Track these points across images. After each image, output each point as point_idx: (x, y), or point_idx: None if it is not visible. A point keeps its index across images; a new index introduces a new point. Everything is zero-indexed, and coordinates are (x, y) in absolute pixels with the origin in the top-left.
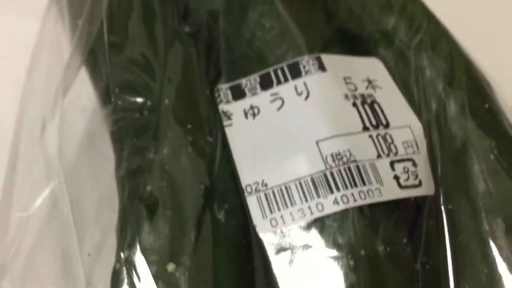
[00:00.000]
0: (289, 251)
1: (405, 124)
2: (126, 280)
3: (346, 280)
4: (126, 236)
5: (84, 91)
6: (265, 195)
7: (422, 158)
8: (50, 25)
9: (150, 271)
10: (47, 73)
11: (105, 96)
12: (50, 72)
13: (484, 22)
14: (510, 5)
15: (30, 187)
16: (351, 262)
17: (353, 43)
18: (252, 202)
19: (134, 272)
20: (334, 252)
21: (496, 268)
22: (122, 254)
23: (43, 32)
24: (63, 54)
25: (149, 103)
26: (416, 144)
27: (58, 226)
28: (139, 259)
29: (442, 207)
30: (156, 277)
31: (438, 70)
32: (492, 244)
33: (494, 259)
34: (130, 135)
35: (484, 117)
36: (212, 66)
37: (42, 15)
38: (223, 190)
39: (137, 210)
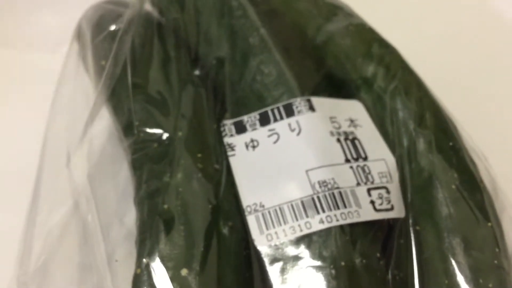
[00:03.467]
0: (281, 262)
1: (380, 157)
2: (146, 282)
3: (328, 286)
4: (146, 246)
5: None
6: (262, 214)
7: (394, 186)
8: (72, 62)
9: (167, 274)
10: (70, 106)
11: (127, 128)
12: (73, 105)
13: (453, 71)
14: (476, 56)
15: (54, 207)
16: (333, 271)
17: (338, 88)
18: (251, 220)
19: (153, 276)
20: (319, 263)
21: (456, 280)
22: (144, 261)
23: (66, 68)
24: (85, 89)
25: (165, 135)
26: (390, 175)
27: (83, 235)
28: (157, 265)
29: (411, 228)
30: (172, 280)
31: (410, 112)
32: (452, 260)
33: (454, 273)
34: (149, 162)
35: (448, 153)
36: (219, 104)
37: (61, 52)
38: (228, 209)
39: (156, 224)
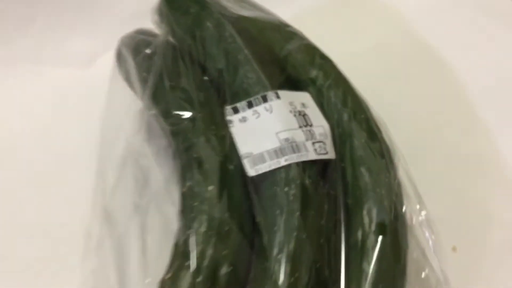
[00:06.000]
0: (263, 181)
1: (320, 125)
2: (188, 196)
3: (290, 193)
4: (187, 176)
5: None
6: (252, 158)
7: (328, 141)
8: (118, 79)
9: (200, 191)
10: (120, 118)
11: (166, 114)
12: (122, 116)
13: (371, 75)
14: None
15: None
16: (293, 186)
17: (294, 85)
18: (245, 161)
19: (194, 189)
20: (283, 181)
21: (362, 187)
22: (187, 184)
23: (113, 84)
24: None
25: (191, 115)
26: (326, 135)
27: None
28: (195, 183)
29: (338, 164)
30: (200, 195)
31: (338, 98)
32: (362, 179)
33: (363, 187)
34: (183, 131)
35: (361, 121)
36: (221, 97)
37: (93, 67)
38: (231, 156)
39: (191, 165)
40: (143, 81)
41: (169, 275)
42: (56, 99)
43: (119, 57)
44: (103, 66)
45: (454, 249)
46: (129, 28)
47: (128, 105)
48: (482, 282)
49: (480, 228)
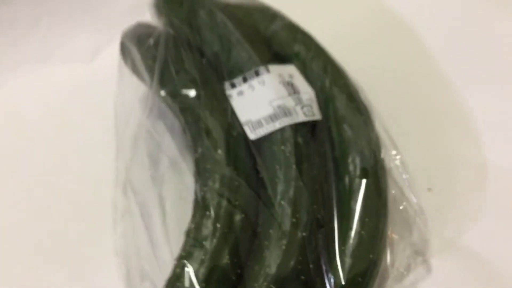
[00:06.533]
0: (264, 142)
1: (306, 92)
2: (200, 158)
3: (285, 150)
4: (198, 143)
5: None
6: (251, 124)
7: (314, 104)
8: (125, 69)
9: (210, 153)
10: (130, 103)
11: (173, 94)
12: (131, 101)
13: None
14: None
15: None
16: (288, 143)
17: (281, 59)
18: (246, 127)
19: (206, 150)
20: (279, 141)
21: (345, 138)
22: (199, 150)
23: (120, 74)
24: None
25: (196, 93)
26: (312, 99)
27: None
28: (204, 148)
29: (325, 123)
30: (211, 157)
31: (319, 67)
32: (344, 133)
33: (344, 138)
34: (190, 107)
35: (341, 86)
36: (220, 75)
37: (96, 61)
38: (234, 124)
39: (201, 134)
40: (150, 68)
41: (193, 224)
42: (67, 92)
43: (124, 49)
44: (107, 58)
45: (429, 190)
46: (128, 22)
47: (136, 91)
48: (455, 215)
49: (450, 170)
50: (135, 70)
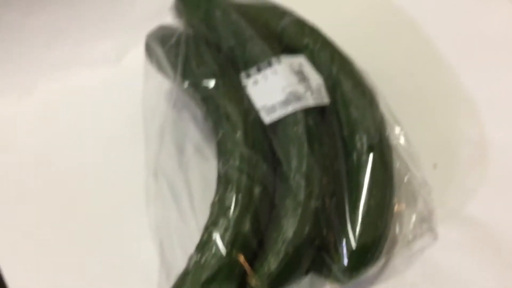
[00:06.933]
0: (277, 124)
1: (315, 79)
2: (221, 135)
3: (298, 129)
4: (219, 130)
5: None
6: (267, 108)
7: (323, 90)
8: (150, 68)
9: (231, 131)
10: (156, 97)
11: (195, 85)
12: (157, 95)
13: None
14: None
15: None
16: (300, 124)
17: (291, 51)
18: (262, 112)
19: (225, 125)
20: (292, 123)
21: (352, 115)
22: (220, 132)
23: (146, 72)
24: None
25: (215, 83)
26: (320, 85)
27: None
28: (225, 126)
29: (332, 106)
30: (230, 136)
31: (326, 57)
32: (351, 112)
33: (352, 117)
34: (211, 96)
35: (348, 72)
36: (236, 68)
37: (121, 63)
38: (250, 109)
39: (221, 119)
40: (173, 64)
41: (217, 197)
42: (97, 92)
43: (149, 49)
44: (132, 59)
45: (434, 166)
46: (151, 26)
47: (161, 87)
48: (458, 188)
49: (453, 147)
50: (159, 67)
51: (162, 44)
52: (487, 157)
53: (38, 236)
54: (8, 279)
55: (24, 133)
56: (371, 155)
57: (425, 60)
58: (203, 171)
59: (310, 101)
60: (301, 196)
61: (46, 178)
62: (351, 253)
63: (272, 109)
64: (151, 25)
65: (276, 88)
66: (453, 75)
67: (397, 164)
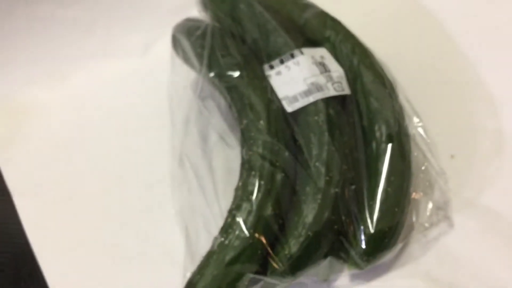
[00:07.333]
0: (299, 113)
1: (336, 70)
2: (244, 127)
3: (319, 120)
4: (242, 115)
5: None
6: (288, 99)
7: (344, 81)
8: (176, 59)
9: (253, 124)
10: (181, 87)
11: (220, 75)
12: (183, 85)
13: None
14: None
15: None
16: (321, 114)
17: (313, 43)
18: (284, 102)
19: (249, 122)
20: (313, 112)
21: (371, 105)
22: (244, 121)
23: (174, 64)
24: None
25: (239, 74)
26: (341, 77)
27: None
28: (248, 119)
29: (353, 97)
30: (252, 127)
31: (347, 49)
32: (370, 101)
33: (371, 106)
34: (235, 86)
35: (367, 65)
36: (259, 59)
37: (148, 55)
38: (273, 99)
39: (245, 107)
40: (199, 55)
41: (241, 182)
42: (125, 83)
43: (175, 41)
44: (159, 51)
45: (452, 157)
46: (176, 19)
47: (187, 77)
48: (475, 178)
49: (470, 138)
50: (185, 58)
51: (188, 36)
52: (504, 148)
53: (68, 221)
54: (41, 262)
55: (56, 121)
56: (389, 145)
57: (444, 52)
58: (226, 158)
59: (331, 91)
60: (321, 182)
61: (77, 165)
62: (368, 238)
63: (294, 99)
64: (178, 18)
65: (298, 79)
66: (471, 67)
67: (415, 154)
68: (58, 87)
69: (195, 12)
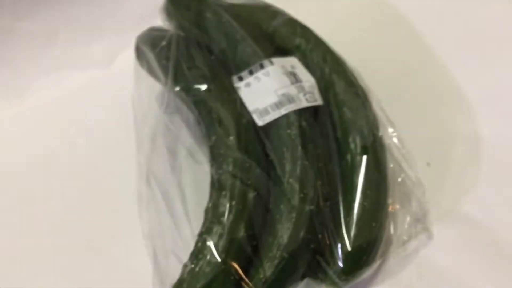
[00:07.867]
0: (270, 127)
1: (308, 80)
2: (215, 141)
3: (291, 133)
4: (211, 131)
5: None
6: (259, 112)
7: (316, 91)
8: (140, 71)
9: (223, 137)
10: (146, 100)
11: (187, 89)
12: (148, 98)
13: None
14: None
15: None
16: (293, 127)
17: (283, 52)
18: (254, 115)
19: (219, 132)
20: (285, 125)
21: (344, 113)
22: (212, 138)
23: (137, 75)
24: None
25: (207, 87)
26: (313, 87)
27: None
28: (218, 132)
29: (326, 108)
30: (223, 139)
31: (318, 57)
32: (343, 110)
33: (345, 116)
34: (202, 100)
35: (339, 72)
36: (227, 70)
37: (113, 66)
38: (242, 113)
39: (213, 122)
40: (164, 68)
41: (211, 203)
42: (88, 96)
43: (139, 52)
44: (123, 63)
45: (428, 164)
46: (140, 28)
47: (152, 90)
48: (452, 187)
49: (446, 145)
50: (150, 70)
51: (152, 46)
52: (481, 154)
53: (28, 242)
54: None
55: (14, 138)
56: (364, 156)
57: (417, 59)
58: (196, 175)
59: (303, 102)
60: (296, 200)
61: (37, 183)
62: (346, 256)
63: (265, 111)
64: (142, 28)
65: (269, 90)
66: (444, 73)
67: (391, 165)
68: (17, 103)
69: (160, 21)
